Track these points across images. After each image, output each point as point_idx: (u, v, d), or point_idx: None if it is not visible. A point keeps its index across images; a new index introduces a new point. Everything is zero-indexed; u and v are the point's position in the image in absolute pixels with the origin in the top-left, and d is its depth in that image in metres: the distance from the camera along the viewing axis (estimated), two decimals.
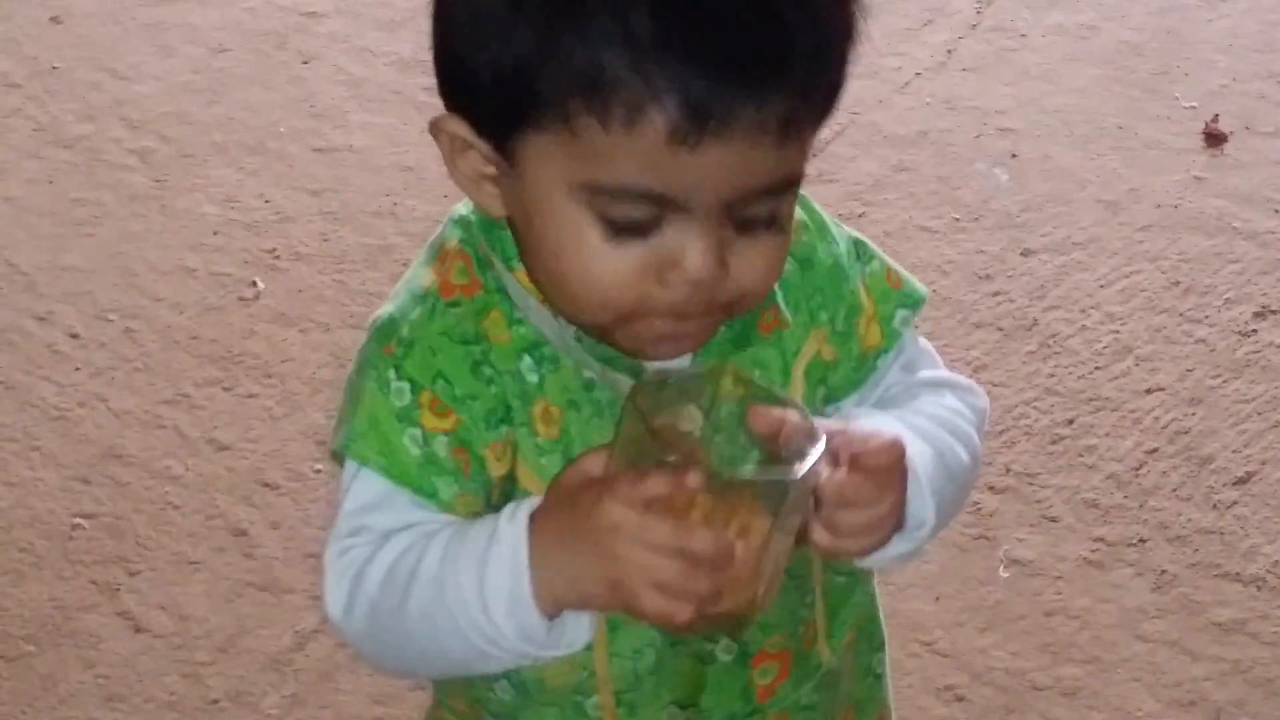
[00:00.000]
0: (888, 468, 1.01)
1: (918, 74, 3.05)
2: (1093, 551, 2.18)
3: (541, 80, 0.93)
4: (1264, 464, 2.30)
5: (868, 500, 1.00)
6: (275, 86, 3.09)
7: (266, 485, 2.28)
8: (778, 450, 0.97)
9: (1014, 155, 2.88)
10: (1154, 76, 3.08)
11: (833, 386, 1.12)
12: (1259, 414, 2.38)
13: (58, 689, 2.04)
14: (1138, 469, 2.29)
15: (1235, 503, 2.24)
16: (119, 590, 2.15)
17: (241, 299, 2.61)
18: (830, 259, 1.11)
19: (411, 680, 1.20)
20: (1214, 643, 2.06)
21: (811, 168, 1.00)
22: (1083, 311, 2.55)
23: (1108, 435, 2.34)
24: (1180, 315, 2.54)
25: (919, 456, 1.05)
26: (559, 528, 0.97)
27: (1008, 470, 2.27)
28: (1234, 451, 2.32)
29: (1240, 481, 2.27)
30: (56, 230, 2.76)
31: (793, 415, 0.98)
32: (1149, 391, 2.41)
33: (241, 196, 2.82)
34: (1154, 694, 2.01)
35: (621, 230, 0.96)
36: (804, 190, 1.03)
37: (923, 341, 1.17)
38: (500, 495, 1.05)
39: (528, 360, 1.05)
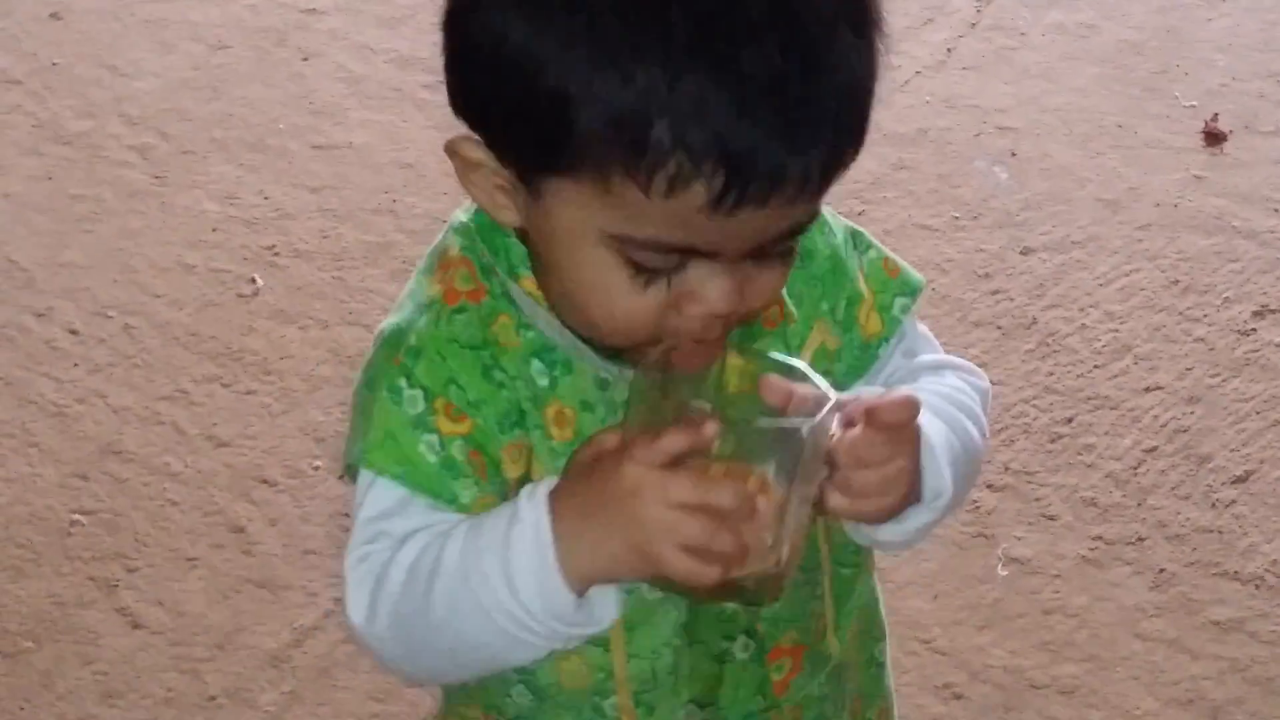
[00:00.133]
0: (901, 423, 1.00)
1: (917, 72, 3.05)
2: (1091, 550, 2.18)
3: (580, 136, 0.91)
4: (1262, 463, 2.30)
5: (882, 457, 0.99)
6: (275, 83, 3.09)
7: (265, 482, 2.28)
8: (790, 417, 0.98)
9: (1013, 154, 2.88)
10: (1154, 75, 3.08)
11: (836, 375, 1.11)
12: (1258, 413, 2.38)
13: (56, 685, 2.04)
14: (1136, 467, 2.29)
15: (1234, 501, 2.24)
16: (117, 586, 2.15)
17: (241, 296, 2.61)
18: (829, 249, 1.11)
19: (436, 684, 1.18)
20: (1212, 641, 2.07)
21: None
22: (1082, 310, 2.55)
23: (1107, 434, 2.34)
24: (1179, 314, 2.54)
25: (931, 428, 1.05)
26: (580, 500, 0.97)
27: (1006, 468, 2.27)
28: (1233, 450, 2.32)
29: (1239, 480, 2.27)
30: (56, 226, 2.76)
31: (802, 383, 0.98)
32: (1148, 390, 2.41)
33: (241, 193, 2.82)
34: (1152, 692, 2.01)
35: (645, 270, 0.96)
36: None
37: (922, 328, 1.17)
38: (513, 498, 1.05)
39: (538, 364, 1.04)
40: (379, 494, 1.04)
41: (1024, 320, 2.53)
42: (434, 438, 1.03)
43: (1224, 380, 2.43)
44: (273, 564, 2.17)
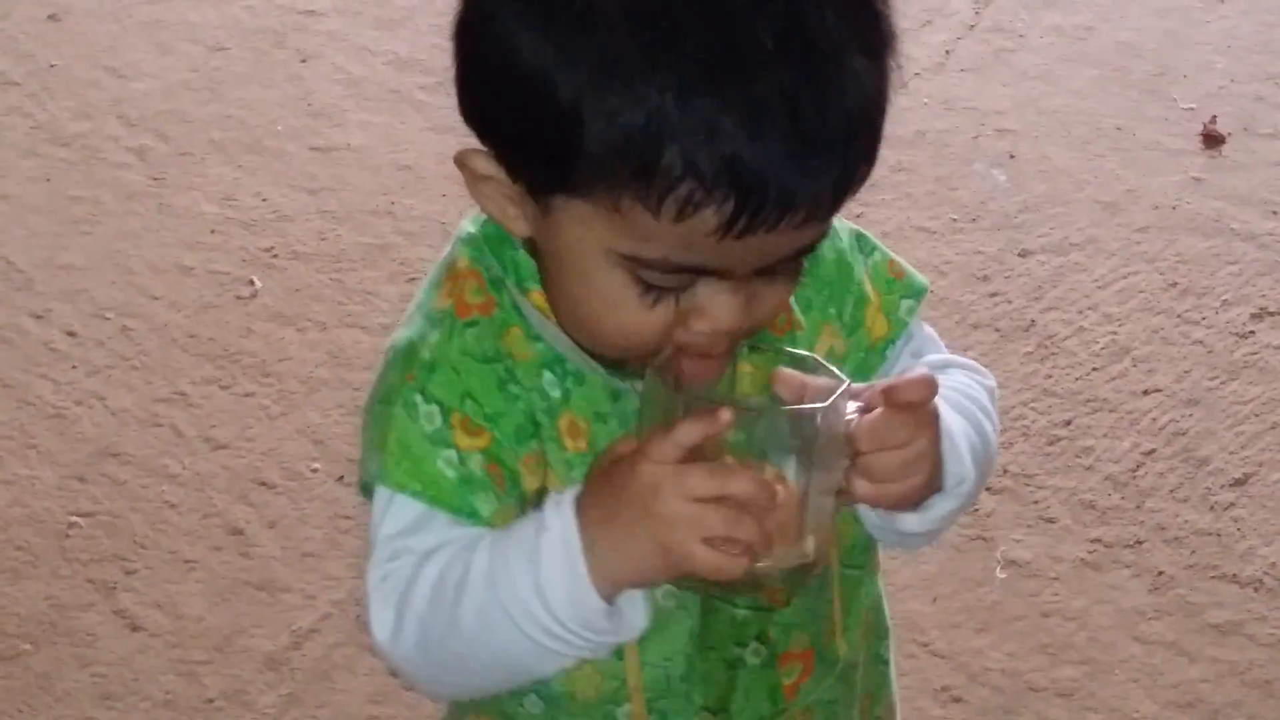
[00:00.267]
0: (920, 401, 0.99)
1: (916, 74, 3.05)
2: (1090, 552, 2.18)
3: (590, 157, 0.91)
4: (1261, 465, 2.30)
5: (903, 438, 0.99)
6: (273, 85, 3.09)
7: (263, 484, 2.28)
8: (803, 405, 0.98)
9: (1012, 156, 2.88)
10: (1152, 78, 3.08)
11: None
12: (1256, 415, 2.38)
13: (54, 688, 2.04)
14: (1135, 470, 2.29)
15: (1232, 504, 2.24)
16: (115, 589, 2.15)
17: (239, 297, 2.60)
18: (834, 253, 1.11)
19: (461, 698, 1.17)
20: (1211, 644, 2.06)
21: None
22: (1080, 312, 2.55)
23: (1105, 436, 2.34)
24: (1178, 316, 2.54)
25: (949, 418, 1.04)
26: (603, 505, 0.96)
27: (1005, 471, 2.27)
28: (1231, 453, 2.32)
29: (1237, 483, 2.27)
30: (54, 228, 2.76)
31: (815, 375, 0.98)
32: (1146, 393, 2.41)
33: (239, 195, 2.82)
34: (1151, 695, 2.01)
35: (654, 288, 0.96)
36: None
37: (928, 329, 1.17)
38: (534, 510, 1.04)
39: (549, 375, 1.04)
40: (398, 511, 1.03)
41: (1022, 322, 2.53)
42: (452, 453, 1.02)
43: (1222, 383, 2.43)
44: (271, 566, 2.17)
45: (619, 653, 1.07)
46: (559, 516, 0.97)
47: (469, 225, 1.07)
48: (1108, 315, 2.55)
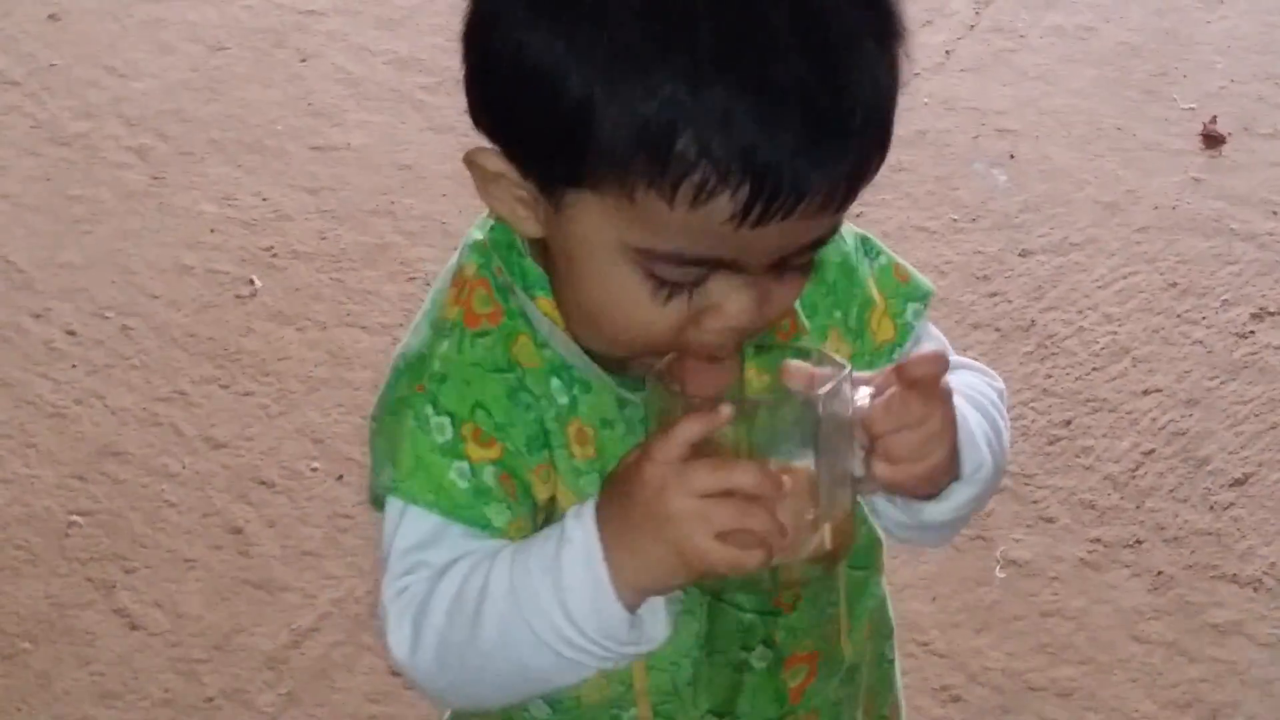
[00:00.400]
0: (932, 376, 0.99)
1: (916, 74, 3.02)
2: (1089, 552, 2.18)
3: (603, 148, 0.91)
4: (1261, 465, 2.30)
5: (918, 416, 0.98)
6: (273, 84, 3.09)
7: (263, 483, 2.28)
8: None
9: (1012, 156, 2.88)
10: (1152, 78, 3.08)
11: None
12: (1256, 415, 2.38)
13: (53, 686, 2.04)
14: (1135, 470, 2.29)
15: (1232, 504, 2.24)
16: (115, 588, 2.15)
17: (239, 297, 2.61)
18: (839, 257, 1.11)
19: (480, 710, 1.17)
20: (1211, 644, 2.06)
21: None
22: (1080, 312, 2.55)
23: (1105, 436, 2.34)
24: (1178, 316, 2.54)
25: (963, 408, 1.04)
26: (619, 513, 0.96)
27: (1005, 471, 2.26)
28: (1231, 453, 2.32)
29: (1237, 483, 2.27)
30: (54, 227, 2.76)
31: (820, 365, 0.98)
32: (1146, 393, 2.41)
33: (239, 194, 2.82)
34: (1150, 695, 2.01)
35: (667, 284, 0.95)
36: None
37: (935, 331, 1.17)
38: (545, 520, 1.04)
39: (556, 382, 1.04)
40: (412, 523, 1.03)
41: (1022, 322, 2.53)
42: (464, 464, 1.02)
43: (1222, 383, 2.43)
44: (270, 565, 2.17)
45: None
46: (580, 527, 0.97)
47: (476, 232, 1.07)
48: (1108, 315, 2.55)
